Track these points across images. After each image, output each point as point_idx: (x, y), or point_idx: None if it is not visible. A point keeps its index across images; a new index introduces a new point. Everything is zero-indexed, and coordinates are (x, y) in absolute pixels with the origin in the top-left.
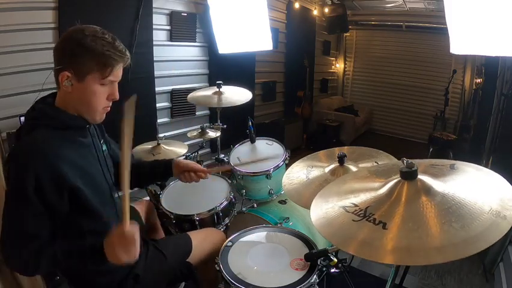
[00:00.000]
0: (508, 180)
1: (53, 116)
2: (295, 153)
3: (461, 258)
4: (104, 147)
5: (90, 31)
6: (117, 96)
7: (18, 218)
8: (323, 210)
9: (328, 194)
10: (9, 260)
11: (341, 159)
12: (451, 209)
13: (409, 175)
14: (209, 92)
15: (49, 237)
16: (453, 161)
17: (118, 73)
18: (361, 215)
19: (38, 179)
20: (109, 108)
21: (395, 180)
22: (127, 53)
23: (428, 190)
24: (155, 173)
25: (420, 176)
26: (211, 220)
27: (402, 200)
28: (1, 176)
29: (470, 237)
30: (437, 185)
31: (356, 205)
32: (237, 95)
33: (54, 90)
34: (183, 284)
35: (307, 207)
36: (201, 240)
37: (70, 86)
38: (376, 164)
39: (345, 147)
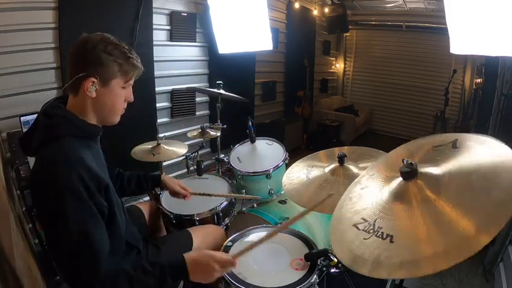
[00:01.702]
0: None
1: (77, 125)
2: (295, 153)
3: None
4: None
5: (109, 39)
6: (132, 98)
7: (84, 229)
8: (340, 231)
9: (341, 210)
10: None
11: (341, 159)
12: (456, 201)
13: (409, 175)
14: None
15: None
16: (455, 135)
17: (134, 78)
18: (371, 231)
19: (84, 182)
20: (124, 110)
21: (397, 182)
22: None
23: (432, 188)
24: (141, 189)
25: (421, 170)
26: (211, 220)
27: (406, 205)
28: (1, 176)
29: (476, 228)
30: (439, 174)
31: (365, 220)
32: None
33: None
34: (182, 283)
35: (307, 207)
36: (203, 236)
37: (95, 91)
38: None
39: (345, 147)
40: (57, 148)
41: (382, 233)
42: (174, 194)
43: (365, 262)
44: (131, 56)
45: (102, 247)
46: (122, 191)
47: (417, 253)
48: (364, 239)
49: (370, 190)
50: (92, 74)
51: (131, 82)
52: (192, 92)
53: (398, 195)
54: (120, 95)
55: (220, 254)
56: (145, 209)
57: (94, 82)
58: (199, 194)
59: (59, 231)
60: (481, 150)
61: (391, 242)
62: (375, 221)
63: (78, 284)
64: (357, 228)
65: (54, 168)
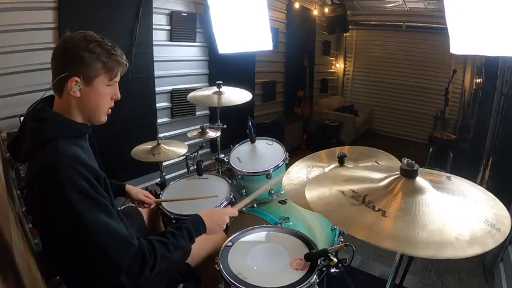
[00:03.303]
0: (508, 180)
1: (67, 126)
2: (295, 153)
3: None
4: None
5: (91, 37)
6: (119, 95)
7: (100, 220)
8: (319, 191)
9: (322, 181)
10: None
11: (341, 159)
12: (443, 214)
13: (408, 173)
14: (209, 92)
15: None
16: (449, 175)
17: (119, 74)
18: (359, 200)
19: (85, 177)
20: (111, 108)
21: (394, 176)
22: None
23: (424, 191)
24: None
25: (419, 177)
26: None
27: (399, 194)
28: (1, 176)
29: (466, 240)
30: (433, 188)
31: (354, 191)
32: (236, 95)
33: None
34: (181, 285)
35: (307, 207)
36: (201, 241)
37: (78, 91)
38: (376, 163)
39: (346, 146)
40: (52, 151)
41: (374, 206)
42: (139, 203)
43: (354, 224)
44: (114, 52)
45: (124, 232)
46: None
47: (410, 234)
48: (352, 204)
49: (362, 175)
50: (74, 73)
51: (117, 79)
52: (192, 92)
53: (393, 188)
54: (105, 93)
55: (225, 209)
56: (144, 210)
57: (77, 82)
58: (163, 201)
59: (76, 233)
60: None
61: (383, 216)
62: (365, 196)
63: (115, 275)
64: (344, 194)
65: (55, 172)
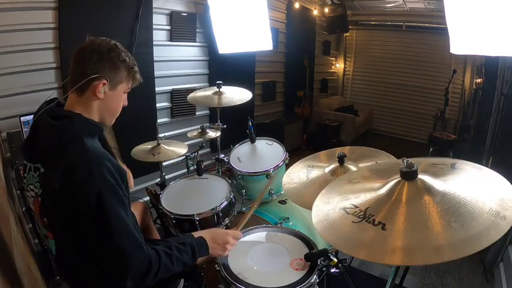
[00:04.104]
0: (508, 181)
1: (92, 124)
2: (295, 153)
3: (461, 257)
4: None
5: (121, 46)
6: (127, 103)
7: (123, 219)
8: (324, 212)
9: (329, 195)
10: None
11: (341, 159)
12: (450, 209)
13: (409, 175)
14: (209, 92)
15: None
16: (454, 160)
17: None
18: (361, 217)
19: (113, 174)
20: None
21: (395, 181)
22: None
23: (428, 190)
24: None
25: (420, 176)
26: (211, 220)
27: (402, 201)
28: (1, 176)
29: (469, 237)
30: (437, 184)
31: (356, 206)
32: (237, 95)
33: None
34: (182, 281)
35: (307, 207)
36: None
37: (103, 94)
38: (376, 163)
39: (346, 147)
40: (81, 148)
41: (373, 219)
42: None
43: (354, 245)
44: (135, 64)
45: (138, 234)
46: None
47: (411, 242)
48: (353, 222)
49: (364, 184)
50: (104, 76)
51: (130, 88)
52: (191, 92)
53: (394, 192)
54: (122, 99)
55: (228, 230)
56: (136, 210)
57: (104, 84)
58: None
59: (100, 228)
60: (478, 174)
61: (383, 229)
62: (366, 209)
63: (123, 276)
64: (346, 212)
65: (87, 167)
